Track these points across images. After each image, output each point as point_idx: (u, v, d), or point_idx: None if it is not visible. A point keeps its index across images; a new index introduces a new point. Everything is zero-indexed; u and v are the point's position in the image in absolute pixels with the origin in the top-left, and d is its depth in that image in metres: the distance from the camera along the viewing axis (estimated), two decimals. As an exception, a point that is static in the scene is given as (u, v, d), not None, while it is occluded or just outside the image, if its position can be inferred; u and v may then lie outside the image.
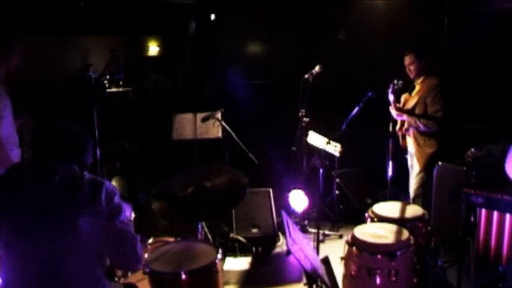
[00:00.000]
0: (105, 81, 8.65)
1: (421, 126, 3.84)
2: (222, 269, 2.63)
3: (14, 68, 3.23)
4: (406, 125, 4.00)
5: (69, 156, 1.96)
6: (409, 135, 4.03)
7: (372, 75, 5.28)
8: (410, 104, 3.96)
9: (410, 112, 3.92)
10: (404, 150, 4.20)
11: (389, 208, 3.40)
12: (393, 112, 4.01)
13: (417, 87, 3.97)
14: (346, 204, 4.77)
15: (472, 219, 2.93)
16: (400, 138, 4.11)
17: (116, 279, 2.75)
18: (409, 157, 4.19)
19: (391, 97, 4.00)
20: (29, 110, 3.39)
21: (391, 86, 3.97)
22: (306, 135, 4.28)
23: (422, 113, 3.87)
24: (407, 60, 3.94)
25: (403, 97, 4.11)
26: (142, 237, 2.89)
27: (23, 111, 3.35)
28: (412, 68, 3.93)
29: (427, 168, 3.98)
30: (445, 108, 3.82)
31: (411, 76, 3.97)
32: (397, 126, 4.13)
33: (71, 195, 1.87)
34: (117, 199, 1.96)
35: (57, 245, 1.84)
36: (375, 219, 3.24)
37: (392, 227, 3.00)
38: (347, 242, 2.93)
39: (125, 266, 2.29)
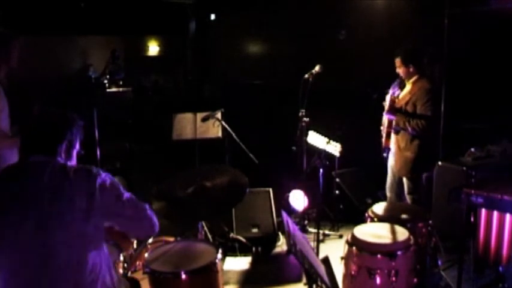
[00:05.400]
0: (105, 81, 8.63)
1: (409, 129, 3.79)
2: (222, 269, 2.63)
3: (13, 65, 3.25)
4: (394, 125, 3.95)
5: (50, 146, 1.91)
6: (395, 134, 3.99)
7: (372, 75, 5.27)
8: (400, 104, 3.93)
9: (403, 112, 3.88)
10: (385, 150, 4.17)
11: (390, 208, 3.40)
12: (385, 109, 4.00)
13: (408, 87, 3.94)
14: (346, 204, 4.78)
15: (472, 219, 2.93)
16: (384, 136, 4.06)
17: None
18: (390, 155, 4.16)
19: (389, 96, 4.00)
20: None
21: (394, 84, 3.97)
22: (306, 135, 4.28)
23: (411, 114, 3.85)
24: (396, 62, 3.95)
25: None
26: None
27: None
28: (400, 71, 3.94)
29: (408, 175, 3.96)
30: (434, 114, 3.83)
31: (401, 76, 3.97)
32: (383, 125, 4.11)
33: (61, 191, 1.82)
34: (110, 183, 1.90)
35: (50, 243, 1.80)
36: (375, 219, 3.24)
37: (393, 227, 3.00)
38: (347, 242, 2.93)
39: (143, 234, 2.25)
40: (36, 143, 1.91)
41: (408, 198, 4.01)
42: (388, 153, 4.17)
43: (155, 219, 2.07)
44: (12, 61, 3.24)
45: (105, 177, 1.91)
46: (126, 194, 1.97)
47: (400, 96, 3.94)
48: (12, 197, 1.83)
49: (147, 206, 2.05)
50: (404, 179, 4.02)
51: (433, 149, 4.18)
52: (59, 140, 1.93)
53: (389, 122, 3.96)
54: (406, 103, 3.88)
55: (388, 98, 3.99)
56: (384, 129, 4.08)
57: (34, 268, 1.80)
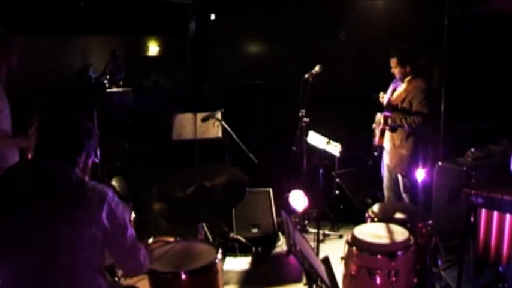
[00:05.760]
0: (105, 81, 8.63)
1: (406, 126, 3.83)
2: (222, 269, 2.64)
3: (14, 65, 3.25)
4: (390, 122, 3.97)
5: (69, 156, 1.89)
6: (391, 131, 4.01)
7: (372, 75, 5.28)
8: (396, 102, 3.96)
9: (401, 109, 3.91)
10: (376, 148, 4.19)
11: (389, 208, 3.41)
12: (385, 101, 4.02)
13: (403, 86, 3.97)
14: (346, 204, 4.78)
15: (472, 219, 2.93)
16: (378, 135, 4.08)
17: (116, 279, 2.75)
18: (385, 154, 4.19)
19: (389, 92, 4.02)
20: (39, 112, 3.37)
21: (396, 79, 3.99)
22: (306, 135, 4.28)
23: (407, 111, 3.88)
24: (392, 63, 3.97)
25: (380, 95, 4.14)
26: (144, 239, 2.90)
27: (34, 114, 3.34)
28: (396, 71, 3.97)
29: (404, 171, 3.98)
30: (431, 111, 3.84)
31: (396, 76, 4.00)
32: (376, 123, 4.12)
33: (70, 205, 1.81)
34: (120, 213, 1.90)
35: (49, 254, 1.78)
36: (375, 219, 3.24)
37: (393, 227, 3.01)
38: (347, 242, 2.93)
39: (127, 271, 2.24)
40: (55, 151, 1.88)
41: (405, 196, 4.03)
42: (379, 151, 4.19)
43: (144, 262, 2.06)
44: (13, 61, 3.24)
45: (117, 203, 1.90)
46: (130, 230, 1.96)
47: (396, 95, 3.96)
48: (19, 197, 1.81)
49: (142, 248, 2.05)
50: (400, 177, 4.04)
51: (428, 146, 4.19)
52: (79, 150, 1.92)
53: (385, 120, 3.98)
54: (402, 101, 3.92)
55: (387, 95, 4.01)
56: (377, 127, 4.10)
57: (33, 272, 1.79)
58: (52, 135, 1.91)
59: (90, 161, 2.02)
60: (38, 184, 1.82)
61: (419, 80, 3.91)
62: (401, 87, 3.96)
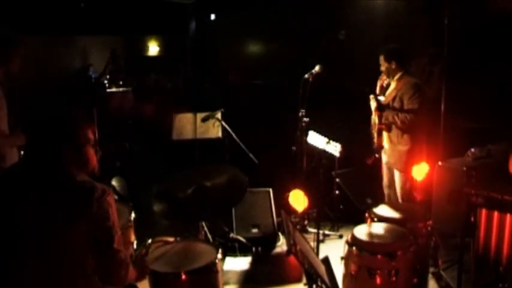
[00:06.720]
0: (105, 81, 8.63)
1: (398, 122, 3.89)
2: (222, 269, 2.63)
3: (15, 71, 3.23)
4: (383, 120, 4.02)
5: (50, 153, 1.79)
6: (387, 131, 4.06)
7: (372, 75, 5.28)
8: (387, 100, 4.02)
9: (392, 107, 3.96)
10: (377, 149, 4.21)
11: (390, 208, 3.41)
12: (373, 105, 4.09)
13: (394, 84, 4.02)
14: (346, 204, 4.77)
15: (472, 219, 2.93)
16: (376, 135, 4.11)
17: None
18: (383, 152, 4.22)
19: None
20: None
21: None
22: (306, 135, 4.28)
23: (399, 109, 3.93)
24: (380, 60, 4.06)
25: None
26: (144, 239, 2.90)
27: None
28: (383, 68, 4.06)
29: (402, 167, 4.01)
30: (421, 106, 3.88)
31: (385, 75, 4.08)
32: (373, 124, 4.15)
33: (56, 206, 1.74)
34: (110, 214, 1.79)
35: (45, 259, 1.76)
36: (375, 219, 3.24)
37: (393, 227, 3.01)
38: (347, 242, 2.93)
39: (106, 281, 1.93)
40: (36, 150, 1.82)
41: (400, 194, 4.05)
42: (380, 152, 4.22)
43: (128, 278, 1.93)
44: (13, 67, 3.21)
45: (110, 200, 1.81)
46: (117, 241, 1.84)
47: (387, 94, 4.01)
48: (14, 200, 1.80)
49: (130, 266, 1.92)
50: (398, 173, 4.06)
51: (426, 141, 4.21)
52: (57, 144, 1.80)
53: (380, 118, 4.02)
54: (393, 99, 3.97)
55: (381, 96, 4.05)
56: (374, 128, 4.13)
57: (28, 274, 1.78)
58: (30, 134, 1.87)
59: (85, 150, 1.86)
60: (28, 186, 1.79)
61: (408, 76, 3.99)
62: (392, 86, 4.04)
